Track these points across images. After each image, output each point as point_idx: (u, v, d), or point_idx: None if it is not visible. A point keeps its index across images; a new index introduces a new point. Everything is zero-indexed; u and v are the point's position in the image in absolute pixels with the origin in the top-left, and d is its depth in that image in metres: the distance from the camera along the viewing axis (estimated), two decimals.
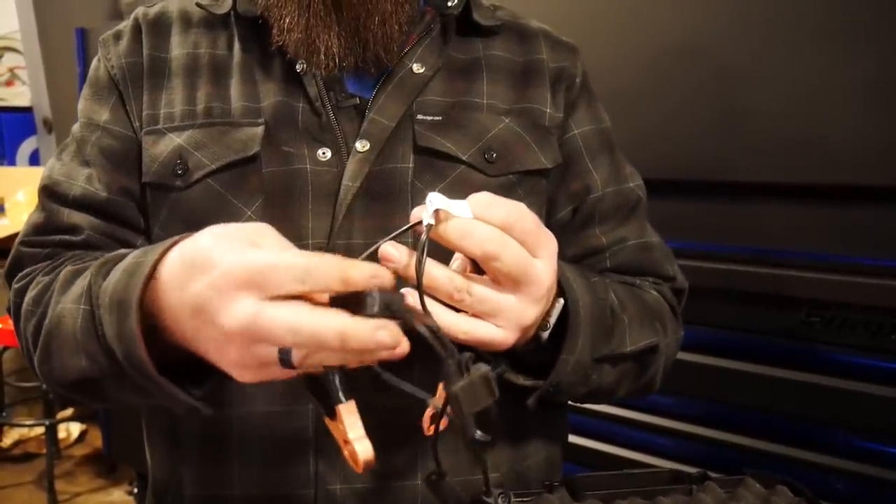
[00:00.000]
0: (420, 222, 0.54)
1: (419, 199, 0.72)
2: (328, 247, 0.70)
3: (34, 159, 4.02)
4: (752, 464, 1.37)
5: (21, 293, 0.72)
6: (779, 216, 1.35)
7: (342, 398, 0.49)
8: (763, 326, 1.38)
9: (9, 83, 4.03)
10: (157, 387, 0.56)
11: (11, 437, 3.25)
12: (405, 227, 0.56)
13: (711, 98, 1.37)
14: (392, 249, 0.55)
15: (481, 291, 0.57)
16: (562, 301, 0.66)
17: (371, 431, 0.69)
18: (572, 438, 1.48)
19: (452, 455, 0.73)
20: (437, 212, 0.54)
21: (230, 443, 0.72)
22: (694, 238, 1.42)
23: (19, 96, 3.99)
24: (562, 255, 0.67)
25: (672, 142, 1.42)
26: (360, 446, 0.50)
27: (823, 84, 1.25)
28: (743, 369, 1.40)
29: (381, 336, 0.45)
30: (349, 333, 0.45)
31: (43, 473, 2.97)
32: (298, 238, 0.70)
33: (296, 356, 0.48)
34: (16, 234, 3.19)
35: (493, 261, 0.55)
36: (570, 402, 0.88)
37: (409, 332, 0.47)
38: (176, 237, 0.56)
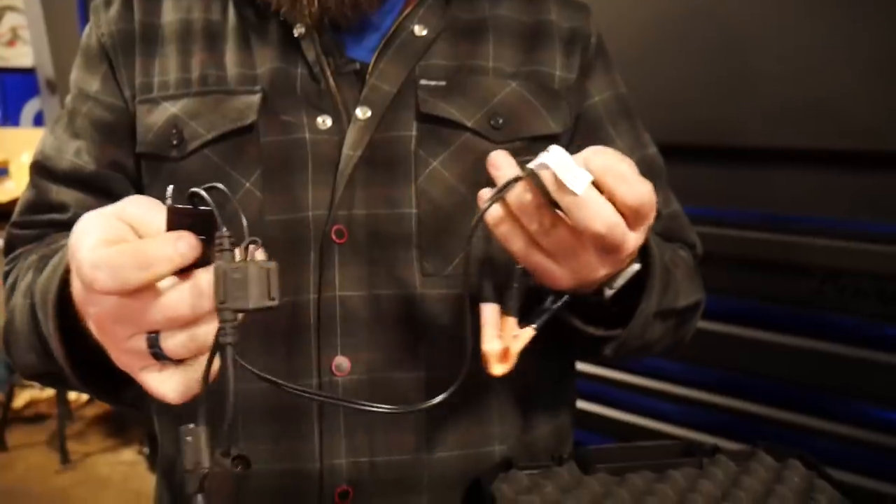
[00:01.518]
0: (518, 178, 0.52)
1: (422, 168, 0.70)
2: (329, 218, 0.68)
3: (38, 120, 4.00)
4: (763, 431, 1.37)
5: (6, 277, 0.72)
6: (791, 182, 1.33)
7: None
8: (775, 294, 1.36)
9: (10, 43, 3.98)
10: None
11: (23, 398, 3.30)
12: (510, 180, 0.52)
13: (724, 61, 1.34)
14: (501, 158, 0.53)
15: (562, 238, 0.54)
16: (637, 266, 0.62)
17: (378, 403, 0.70)
18: (581, 405, 1.49)
19: (460, 429, 0.73)
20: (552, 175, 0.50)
21: (235, 419, 0.71)
22: (705, 204, 1.41)
23: (21, 56, 3.95)
24: None
25: (683, 106, 1.39)
26: None
27: (839, 47, 1.22)
28: (754, 337, 1.39)
29: (181, 246, 0.42)
30: (145, 252, 0.42)
31: (54, 434, 3.02)
32: (299, 209, 0.69)
33: (165, 343, 0.44)
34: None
35: (595, 237, 0.52)
36: (576, 368, 0.88)
37: None
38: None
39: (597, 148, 0.53)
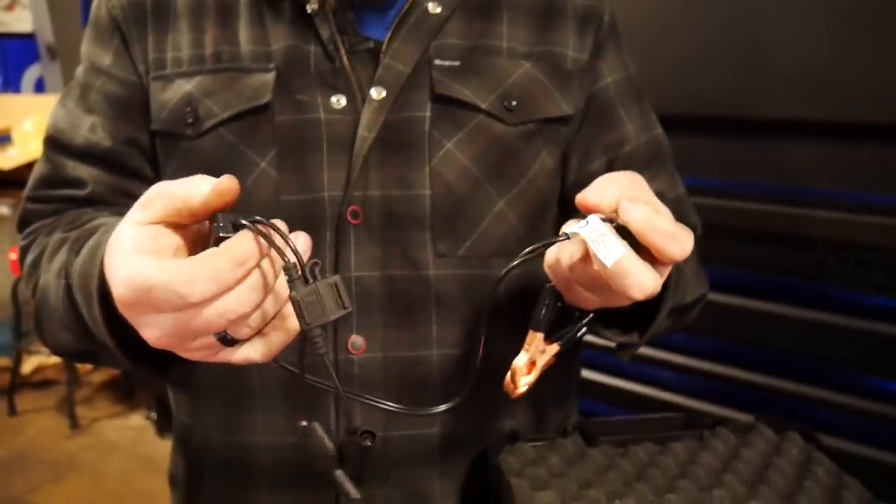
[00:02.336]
0: (553, 242, 0.55)
1: (436, 150, 0.70)
2: (345, 199, 0.69)
3: (39, 87, 3.98)
4: (765, 401, 1.39)
5: (24, 252, 0.72)
6: (795, 154, 1.33)
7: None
8: (778, 265, 1.37)
9: (9, 7, 3.94)
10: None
11: (31, 363, 3.33)
12: (543, 244, 0.56)
13: (729, 32, 1.34)
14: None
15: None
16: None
17: (388, 382, 0.71)
18: (586, 374, 1.51)
19: (472, 405, 0.74)
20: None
21: (252, 392, 0.72)
22: (709, 175, 1.41)
23: (21, 21, 3.91)
24: None
25: (689, 77, 1.39)
26: None
27: (846, 20, 1.21)
28: (756, 308, 1.40)
29: (252, 243, 0.45)
30: (235, 250, 0.45)
31: (63, 399, 3.06)
32: (314, 190, 0.69)
33: (235, 334, 0.47)
34: (25, 165, 3.20)
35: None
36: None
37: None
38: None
39: (633, 195, 0.54)
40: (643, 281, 0.52)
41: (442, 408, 0.60)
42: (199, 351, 0.49)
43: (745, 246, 1.40)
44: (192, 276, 0.44)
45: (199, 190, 0.46)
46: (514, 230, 0.73)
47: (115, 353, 0.55)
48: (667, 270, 0.55)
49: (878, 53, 1.19)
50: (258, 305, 0.46)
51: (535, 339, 0.61)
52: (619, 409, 1.58)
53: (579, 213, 0.56)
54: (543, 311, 0.61)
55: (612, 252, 0.52)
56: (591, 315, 0.63)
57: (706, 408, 1.46)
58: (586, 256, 0.54)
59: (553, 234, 0.57)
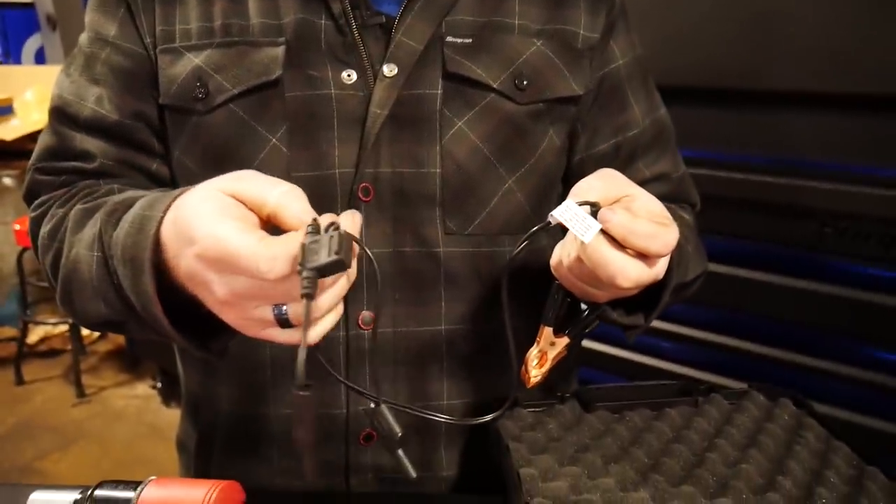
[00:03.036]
0: (540, 228, 0.57)
1: (447, 129, 0.71)
2: (356, 176, 0.69)
3: (40, 57, 3.96)
4: (763, 371, 1.41)
5: (37, 223, 0.72)
6: (794, 125, 1.33)
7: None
8: (776, 236, 1.38)
9: None
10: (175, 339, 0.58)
11: (37, 333, 3.36)
12: (533, 231, 0.58)
13: (729, 4, 1.33)
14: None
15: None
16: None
17: (397, 357, 0.73)
18: (586, 343, 1.52)
19: (477, 379, 0.76)
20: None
21: (264, 364, 0.74)
22: (708, 146, 1.41)
23: None
24: None
25: (690, 48, 1.38)
26: None
27: None
28: (755, 278, 1.42)
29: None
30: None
31: (69, 368, 3.09)
32: (325, 167, 0.69)
33: (294, 315, 0.50)
34: (27, 136, 3.18)
35: (609, 281, 0.57)
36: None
37: None
38: (175, 192, 0.56)
39: (611, 195, 0.57)
40: (625, 268, 0.55)
41: (489, 417, 0.62)
42: (252, 322, 0.51)
43: (743, 217, 1.40)
44: (276, 253, 0.47)
45: (292, 211, 0.50)
46: (521, 208, 0.74)
47: (161, 323, 0.56)
48: (658, 262, 0.58)
49: (877, 24, 1.19)
50: (325, 294, 0.50)
51: (544, 334, 0.64)
52: (619, 377, 1.60)
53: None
54: (550, 306, 0.64)
55: (588, 230, 0.55)
56: (600, 309, 0.65)
57: (705, 377, 1.48)
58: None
59: None
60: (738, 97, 1.37)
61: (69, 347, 3.10)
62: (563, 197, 0.79)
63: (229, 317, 0.53)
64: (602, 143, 0.80)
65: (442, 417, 0.63)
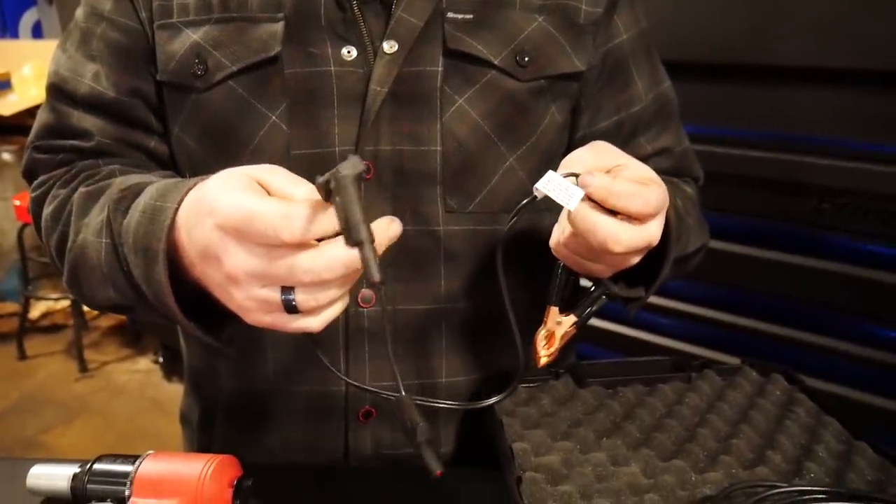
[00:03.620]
0: (528, 201, 0.57)
1: (448, 106, 0.70)
2: (357, 154, 0.68)
3: (37, 32, 3.93)
4: (760, 346, 1.42)
5: (39, 203, 0.72)
6: (793, 101, 1.32)
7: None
8: (774, 212, 1.38)
9: None
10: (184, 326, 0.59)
11: (39, 309, 3.37)
12: (522, 204, 0.57)
13: None
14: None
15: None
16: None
17: (396, 334, 0.74)
18: None
19: (474, 356, 0.77)
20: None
21: (265, 341, 0.74)
22: (707, 122, 1.40)
23: None
24: None
25: (690, 23, 1.37)
26: None
27: None
28: (752, 254, 1.42)
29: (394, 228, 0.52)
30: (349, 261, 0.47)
31: (71, 343, 3.12)
32: (325, 145, 0.69)
33: (301, 301, 0.50)
34: (25, 111, 3.16)
35: (601, 247, 0.57)
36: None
37: None
38: (192, 182, 0.56)
39: (599, 166, 0.57)
40: (615, 232, 0.55)
41: (492, 400, 0.63)
42: (256, 303, 0.51)
43: (741, 193, 1.40)
44: (290, 212, 0.47)
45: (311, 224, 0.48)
46: (522, 186, 0.74)
47: (172, 311, 0.57)
48: (650, 225, 0.58)
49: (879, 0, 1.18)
50: (334, 281, 0.49)
51: (550, 313, 0.65)
52: (616, 353, 1.61)
53: None
54: (555, 285, 0.65)
55: (572, 197, 0.55)
56: (604, 285, 0.65)
57: (701, 353, 1.49)
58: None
59: None
60: (736, 72, 1.36)
61: (71, 322, 3.12)
62: None
63: (234, 298, 0.52)
64: (604, 120, 0.79)
65: (452, 404, 0.64)
